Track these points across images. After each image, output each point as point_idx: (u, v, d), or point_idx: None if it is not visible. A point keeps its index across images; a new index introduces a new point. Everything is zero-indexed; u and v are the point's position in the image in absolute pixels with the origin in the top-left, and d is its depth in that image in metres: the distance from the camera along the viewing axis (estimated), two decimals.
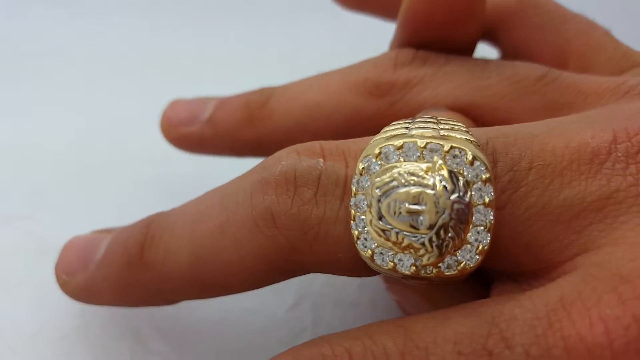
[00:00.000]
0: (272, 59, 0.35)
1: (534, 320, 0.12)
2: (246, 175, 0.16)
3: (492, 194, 0.13)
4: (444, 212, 0.12)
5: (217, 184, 0.25)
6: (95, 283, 0.18)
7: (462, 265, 0.13)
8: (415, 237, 0.13)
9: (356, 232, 0.14)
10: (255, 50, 0.36)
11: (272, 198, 0.15)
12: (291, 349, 0.14)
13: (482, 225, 0.13)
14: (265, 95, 0.22)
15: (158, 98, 0.31)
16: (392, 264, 0.13)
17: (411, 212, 0.12)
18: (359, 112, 0.20)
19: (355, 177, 0.14)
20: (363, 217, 0.13)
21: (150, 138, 0.29)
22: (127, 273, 0.17)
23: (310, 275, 0.23)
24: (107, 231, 0.19)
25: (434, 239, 0.12)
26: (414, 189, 0.13)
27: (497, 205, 0.14)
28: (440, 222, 0.12)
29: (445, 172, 0.13)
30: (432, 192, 0.12)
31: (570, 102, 0.18)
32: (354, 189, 0.14)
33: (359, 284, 0.24)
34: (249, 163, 0.19)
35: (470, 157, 0.13)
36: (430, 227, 0.12)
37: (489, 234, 0.13)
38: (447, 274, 0.13)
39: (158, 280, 0.17)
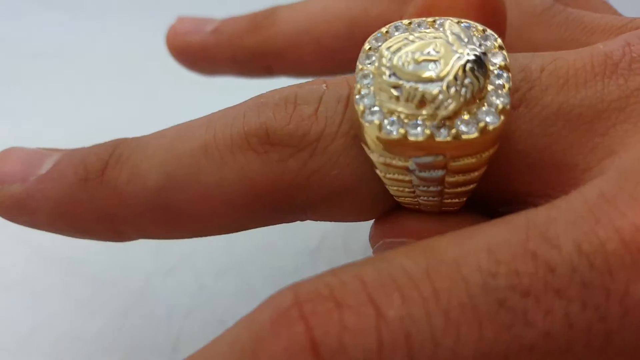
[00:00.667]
0: None
1: (577, 219, 0.11)
2: (240, 103, 0.15)
3: (507, 57, 0.12)
4: (461, 55, 0.11)
5: None
6: (34, 198, 0.16)
7: (482, 125, 0.11)
8: (431, 83, 0.11)
9: (361, 106, 0.12)
10: None
11: (268, 115, 0.14)
12: (293, 284, 0.12)
13: (500, 87, 0.12)
14: (269, 11, 0.22)
15: (157, 100, 0.32)
16: (402, 131, 0.11)
17: (425, 60, 0.11)
18: (366, 12, 0.19)
19: (361, 55, 0.13)
20: (368, 89, 0.12)
21: None
22: (78, 190, 0.15)
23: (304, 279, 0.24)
24: (55, 150, 0.17)
25: (451, 82, 0.11)
26: (428, 41, 0.12)
27: (510, 104, 0.12)
28: (456, 64, 0.11)
29: (457, 28, 0.12)
30: (446, 41, 0.12)
31: (575, 38, 0.17)
32: (359, 65, 0.13)
33: None
34: None
35: (480, 28, 0.12)
36: (447, 71, 0.11)
37: (509, 95, 0.12)
38: (465, 136, 0.11)
39: (115, 203, 0.15)
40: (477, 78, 0.11)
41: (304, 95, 0.14)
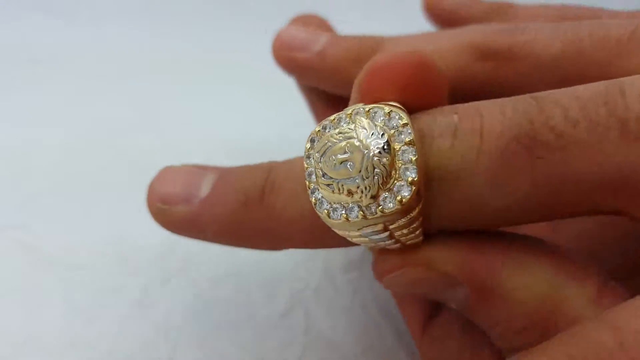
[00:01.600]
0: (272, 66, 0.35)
1: None
2: None
3: (411, 134, 0.14)
4: (367, 152, 0.14)
5: None
6: (201, 218, 0.18)
7: (399, 198, 0.14)
8: (351, 180, 0.14)
9: (313, 199, 0.15)
10: (252, 57, 0.35)
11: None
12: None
13: (408, 161, 0.14)
14: (376, 42, 0.22)
15: (152, 105, 0.33)
16: (344, 215, 0.14)
17: (343, 161, 0.14)
18: (464, 71, 0.20)
19: (304, 153, 0.15)
20: (314, 184, 0.15)
21: (145, 144, 0.30)
22: (240, 214, 0.17)
23: (302, 283, 0.24)
24: (205, 168, 0.19)
25: (364, 176, 0.14)
26: (343, 143, 0.14)
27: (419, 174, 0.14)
28: (365, 161, 0.14)
29: (365, 122, 0.15)
30: (356, 140, 0.14)
31: None
32: (305, 164, 0.16)
33: (350, 289, 0.24)
34: None
35: (387, 111, 0.15)
36: (359, 168, 0.14)
37: (416, 168, 0.14)
38: (388, 210, 0.14)
39: (274, 226, 0.17)
40: (384, 165, 0.14)
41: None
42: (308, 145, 0.16)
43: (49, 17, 0.39)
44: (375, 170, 0.14)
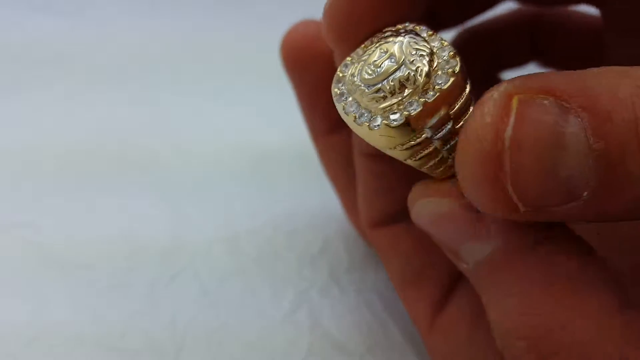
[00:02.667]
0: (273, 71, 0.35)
1: None
2: None
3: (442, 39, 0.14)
4: (399, 43, 0.14)
5: (214, 193, 0.26)
6: None
7: (449, 70, 0.14)
8: (398, 71, 0.14)
9: (364, 121, 0.14)
10: (260, 57, 0.34)
11: None
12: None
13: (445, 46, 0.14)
14: None
15: (158, 105, 0.33)
16: (406, 113, 0.14)
17: (381, 63, 0.14)
18: None
19: (334, 81, 0.15)
20: (353, 104, 0.15)
21: (151, 144, 0.30)
22: None
23: (306, 283, 0.24)
24: None
25: (407, 62, 0.14)
26: (370, 56, 0.15)
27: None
28: (405, 48, 0.14)
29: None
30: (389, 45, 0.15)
31: None
32: (335, 89, 0.15)
33: (355, 288, 0.24)
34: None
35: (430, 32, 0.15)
36: (401, 57, 0.14)
37: (450, 47, 0.14)
38: (445, 85, 0.14)
39: None
40: (425, 45, 0.14)
41: None
42: (339, 74, 0.15)
43: (54, 18, 0.39)
44: (419, 51, 0.14)
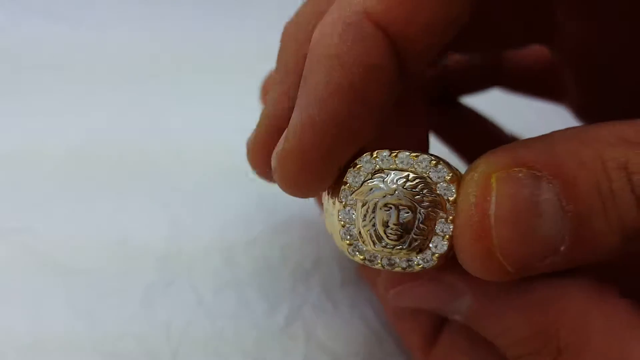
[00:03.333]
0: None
1: None
2: None
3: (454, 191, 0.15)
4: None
5: (211, 201, 0.26)
6: None
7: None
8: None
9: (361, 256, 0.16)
10: (256, 65, 0.33)
11: None
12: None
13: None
14: None
15: (157, 110, 0.33)
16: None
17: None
18: None
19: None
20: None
21: (149, 148, 0.30)
22: None
23: (301, 299, 0.24)
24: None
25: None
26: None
27: None
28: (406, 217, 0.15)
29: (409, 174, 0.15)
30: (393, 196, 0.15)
31: None
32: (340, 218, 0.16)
33: (349, 303, 0.24)
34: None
35: (434, 162, 0.15)
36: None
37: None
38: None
39: None
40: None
41: None
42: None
43: (54, 23, 0.39)
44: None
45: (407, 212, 0.15)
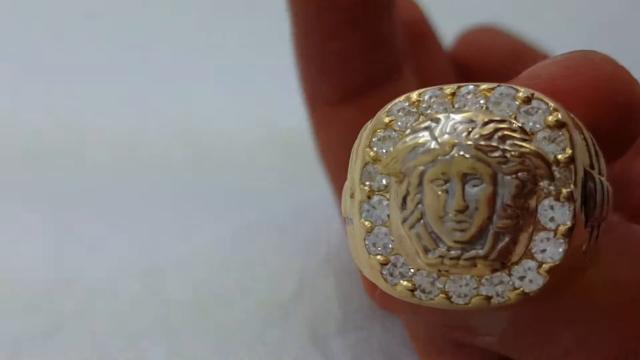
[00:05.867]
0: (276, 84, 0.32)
1: None
2: None
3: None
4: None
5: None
6: None
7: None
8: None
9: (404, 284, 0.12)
10: (257, 60, 0.32)
11: None
12: None
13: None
14: None
15: (156, 112, 0.30)
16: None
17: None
18: None
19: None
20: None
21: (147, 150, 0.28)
22: None
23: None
24: None
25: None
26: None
27: None
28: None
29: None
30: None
31: None
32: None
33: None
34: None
35: (523, 96, 0.11)
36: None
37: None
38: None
39: None
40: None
41: None
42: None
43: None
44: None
45: (480, 184, 0.10)
